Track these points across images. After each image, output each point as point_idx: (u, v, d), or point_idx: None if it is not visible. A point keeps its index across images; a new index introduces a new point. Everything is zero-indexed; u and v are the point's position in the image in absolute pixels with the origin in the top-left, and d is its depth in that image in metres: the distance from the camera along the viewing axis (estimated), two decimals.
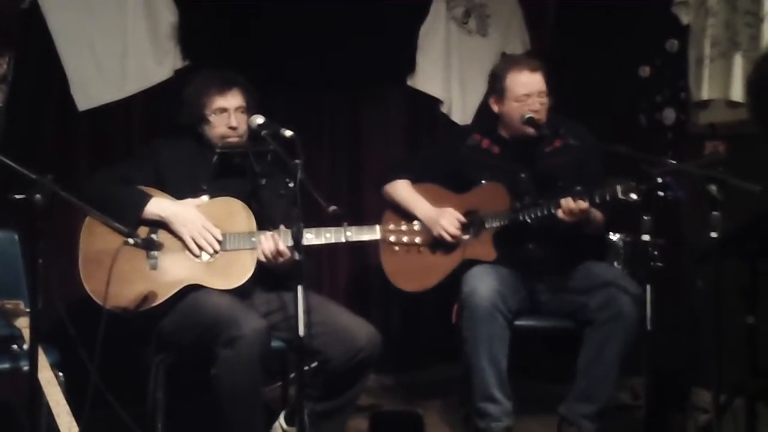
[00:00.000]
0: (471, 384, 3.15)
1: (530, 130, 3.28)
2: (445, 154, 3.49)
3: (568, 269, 3.30)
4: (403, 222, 3.00)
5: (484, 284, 3.10)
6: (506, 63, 3.52)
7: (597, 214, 3.21)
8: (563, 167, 3.31)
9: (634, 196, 2.91)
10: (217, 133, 3.07)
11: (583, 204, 3.06)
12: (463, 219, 3.33)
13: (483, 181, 3.35)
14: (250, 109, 3.08)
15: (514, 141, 3.36)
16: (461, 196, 3.40)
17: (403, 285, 3.40)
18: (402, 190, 3.44)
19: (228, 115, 3.05)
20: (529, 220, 3.19)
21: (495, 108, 3.40)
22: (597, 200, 3.05)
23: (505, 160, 3.37)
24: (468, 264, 3.26)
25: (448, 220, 3.30)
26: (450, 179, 3.44)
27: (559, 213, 3.10)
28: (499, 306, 3.08)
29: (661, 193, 2.75)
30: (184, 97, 3.13)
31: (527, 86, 3.28)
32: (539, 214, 3.17)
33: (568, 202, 3.07)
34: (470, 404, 3.19)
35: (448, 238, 3.30)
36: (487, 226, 3.29)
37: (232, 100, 3.07)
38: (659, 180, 2.73)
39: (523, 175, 3.33)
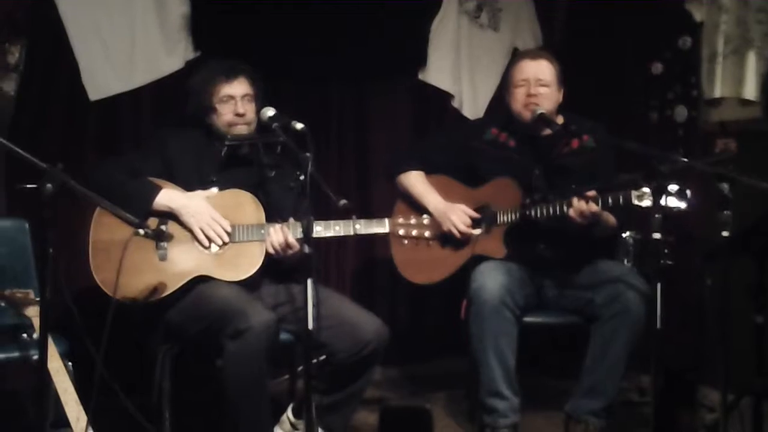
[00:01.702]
0: (478, 379, 3.15)
1: (542, 127, 3.29)
2: (459, 146, 3.48)
3: (576, 265, 3.29)
4: (412, 216, 3.00)
5: (492, 280, 3.10)
6: (516, 56, 3.62)
7: (609, 218, 3.19)
8: (578, 169, 3.29)
9: (647, 203, 2.91)
10: (224, 121, 3.06)
11: (594, 207, 3.05)
12: (474, 215, 3.33)
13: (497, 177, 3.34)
14: (257, 98, 3.08)
15: (529, 136, 3.36)
16: (473, 190, 3.39)
17: (412, 277, 3.40)
18: (415, 181, 3.44)
19: (235, 102, 3.05)
20: (539, 217, 3.18)
21: (507, 100, 3.42)
22: (609, 203, 3.05)
23: (521, 155, 3.36)
24: (477, 259, 3.26)
25: (458, 216, 3.30)
26: (464, 172, 3.43)
27: (571, 212, 3.10)
28: (507, 302, 3.08)
29: (678, 205, 2.76)
30: (191, 87, 3.13)
31: (525, 71, 3.31)
32: (550, 212, 3.15)
33: (580, 204, 3.07)
34: (476, 398, 3.19)
35: (456, 234, 3.30)
36: (498, 221, 3.29)
37: (239, 87, 3.06)
38: (672, 188, 2.73)
39: (537, 172, 3.32)
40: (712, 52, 3.81)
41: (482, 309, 3.07)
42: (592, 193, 3.07)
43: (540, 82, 3.28)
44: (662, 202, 2.63)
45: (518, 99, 3.31)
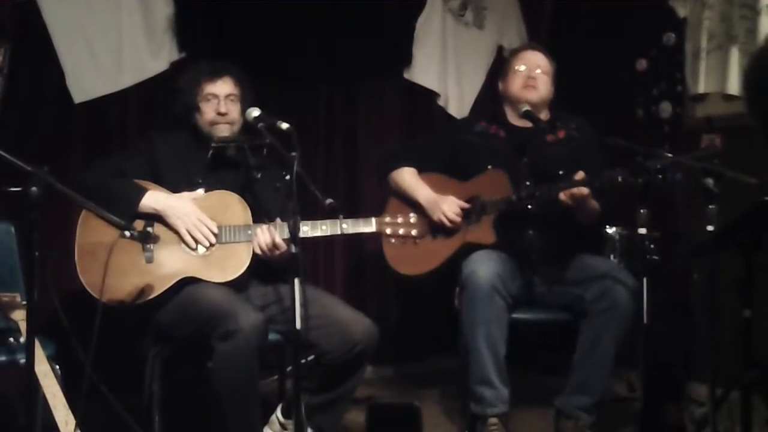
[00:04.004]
0: (468, 370, 3.15)
1: (528, 123, 3.32)
2: (448, 143, 3.51)
3: (564, 261, 3.30)
4: (399, 214, 3.00)
5: (484, 267, 3.11)
6: (515, 49, 3.73)
7: (593, 203, 3.22)
8: (565, 157, 3.32)
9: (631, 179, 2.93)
10: (206, 120, 3.07)
11: (585, 190, 3.10)
12: (465, 205, 3.34)
13: (489, 167, 3.36)
14: (243, 100, 3.08)
15: (518, 127, 3.40)
16: (464, 184, 3.41)
17: (404, 269, 3.41)
18: (407, 177, 3.46)
19: (217, 101, 3.05)
20: (529, 206, 3.20)
21: (500, 88, 3.51)
22: (596, 185, 3.09)
23: (510, 145, 3.39)
24: (468, 249, 3.27)
25: (448, 206, 3.32)
26: (454, 168, 3.45)
27: (561, 195, 3.14)
28: (499, 288, 3.09)
29: (659, 176, 2.77)
30: (177, 87, 3.14)
31: (525, 59, 3.45)
32: (538, 194, 3.19)
33: (570, 189, 3.11)
34: (467, 392, 3.19)
35: (447, 223, 3.31)
36: (488, 210, 3.30)
37: (222, 86, 3.07)
38: (657, 165, 2.75)
39: (525, 160, 3.34)
40: (696, 48, 3.82)
41: (474, 294, 3.08)
42: (580, 175, 3.11)
43: (539, 68, 3.40)
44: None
45: (517, 82, 3.40)
